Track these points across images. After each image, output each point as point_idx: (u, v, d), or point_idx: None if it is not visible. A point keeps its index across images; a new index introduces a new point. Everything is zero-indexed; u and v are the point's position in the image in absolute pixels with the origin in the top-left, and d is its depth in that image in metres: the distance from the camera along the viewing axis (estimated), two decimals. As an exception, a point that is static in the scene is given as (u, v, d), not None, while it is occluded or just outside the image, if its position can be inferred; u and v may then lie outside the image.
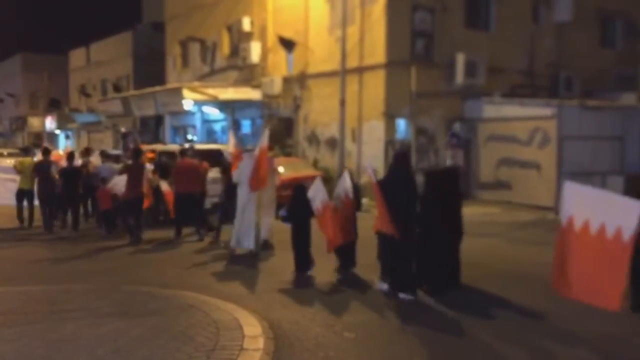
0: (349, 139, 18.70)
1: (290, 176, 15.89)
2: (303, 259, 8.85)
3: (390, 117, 17.94)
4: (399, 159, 8.02)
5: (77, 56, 41.87)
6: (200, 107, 23.65)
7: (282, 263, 9.47)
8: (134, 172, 11.70)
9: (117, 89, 33.81)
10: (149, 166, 13.34)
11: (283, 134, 21.98)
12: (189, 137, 25.73)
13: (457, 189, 8.16)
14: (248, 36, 22.75)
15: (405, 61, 17.81)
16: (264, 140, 10.37)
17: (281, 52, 21.13)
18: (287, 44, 20.35)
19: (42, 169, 13.28)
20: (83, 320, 6.40)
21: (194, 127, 26.09)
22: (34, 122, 44.24)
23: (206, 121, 25.57)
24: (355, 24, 18.50)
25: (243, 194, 10.40)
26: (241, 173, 10.50)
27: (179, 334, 5.95)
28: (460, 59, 18.14)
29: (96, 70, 38.44)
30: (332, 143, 19.27)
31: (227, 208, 11.46)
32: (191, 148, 13.68)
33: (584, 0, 20.48)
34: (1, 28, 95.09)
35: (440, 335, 6.27)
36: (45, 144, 15.87)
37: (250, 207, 10.32)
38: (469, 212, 10.26)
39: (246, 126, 24.39)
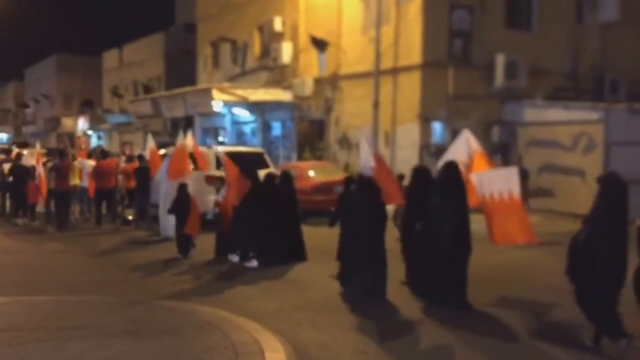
0: (382, 143, 18.02)
1: (320, 180, 15.29)
2: (184, 245, 10.46)
3: (425, 120, 17.22)
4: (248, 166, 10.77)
5: (110, 57, 41.94)
6: (230, 108, 23.24)
7: (314, 276, 8.92)
8: (61, 170, 14.03)
9: (147, 89, 33.65)
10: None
11: (314, 136, 21.42)
12: (221, 139, 25.35)
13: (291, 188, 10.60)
14: (279, 36, 22.22)
15: (442, 62, 17.10)
16: (182, 140, 12.29)
17: (313, 53, 20.57)
18: (319, 44, 19.81)
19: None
20: (90, 339, 5.85)
21: (224, 129, 25.68)
22: (67, 122, 44.46)
23: (236, 123, 25.14)
24: (390, 23, 17.83)
25: (164, 189, 12.09)
26: (162, 172, 12.38)
27: (194, 359, 5.37)
28: (500, 60, 17.32)
29: (128, 72, 38.39)
30: (365, 146, 18.62)
31: (140, 203, 13.86)
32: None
33: (631, -1, 19.46)
34: (37, 30, 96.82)
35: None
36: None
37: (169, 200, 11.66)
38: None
39: (276, 128, 23.86)
